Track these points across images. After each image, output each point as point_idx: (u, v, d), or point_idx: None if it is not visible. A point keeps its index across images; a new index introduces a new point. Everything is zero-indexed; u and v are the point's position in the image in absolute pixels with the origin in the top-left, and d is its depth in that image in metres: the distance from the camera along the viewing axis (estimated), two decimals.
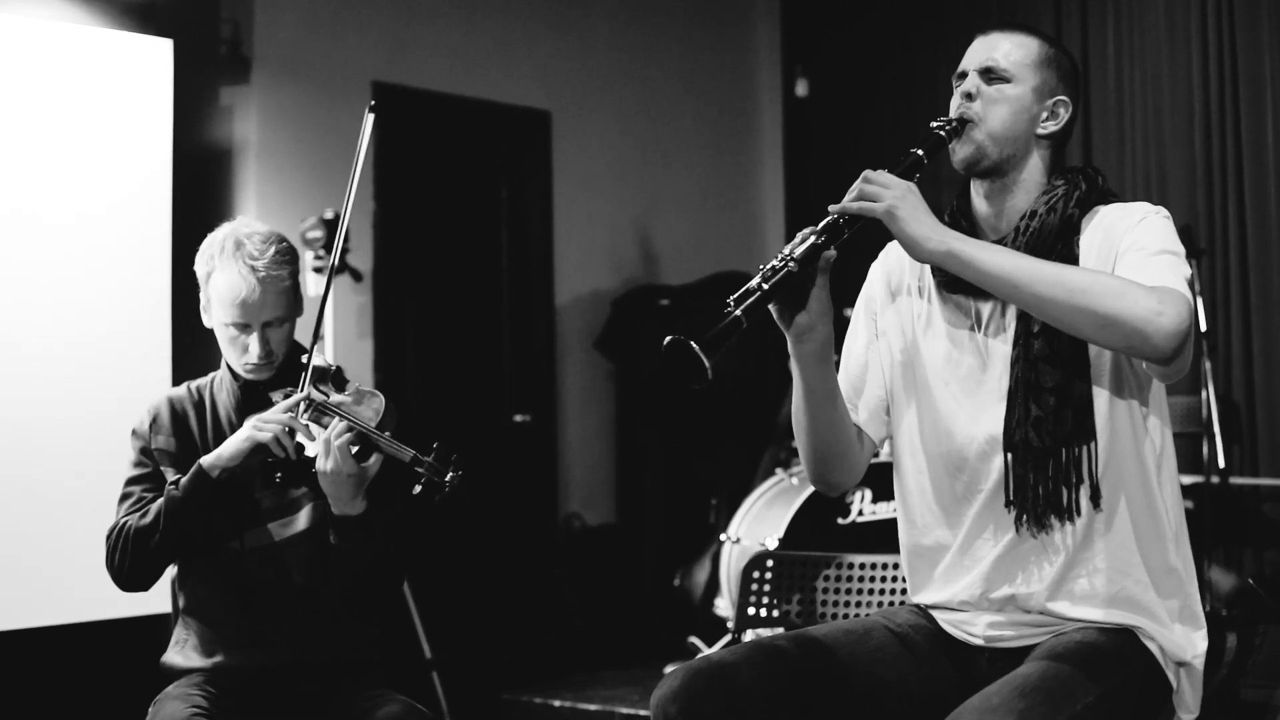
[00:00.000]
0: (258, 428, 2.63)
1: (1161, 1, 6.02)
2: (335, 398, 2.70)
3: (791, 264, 2.11)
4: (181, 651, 2.77)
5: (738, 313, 2.05)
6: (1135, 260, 2.14)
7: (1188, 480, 5.30)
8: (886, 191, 2.13)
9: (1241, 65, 5.78)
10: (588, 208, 6.62)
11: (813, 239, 2.13)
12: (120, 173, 4.65)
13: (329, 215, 4.98)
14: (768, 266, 2.11)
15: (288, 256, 2.75)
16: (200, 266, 2.76)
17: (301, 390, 2.68)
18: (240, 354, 2.74)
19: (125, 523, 2.70)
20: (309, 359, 2.72)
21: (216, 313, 2.73)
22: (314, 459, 2.61)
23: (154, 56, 4.74)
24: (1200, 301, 5.01)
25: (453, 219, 6.22)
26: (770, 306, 2.14)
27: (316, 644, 2.74)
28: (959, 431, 2.29)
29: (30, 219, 4.44)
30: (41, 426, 4.41)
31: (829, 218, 2.15)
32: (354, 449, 2.58)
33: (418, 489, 2.55)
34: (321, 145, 5.55)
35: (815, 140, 7.30)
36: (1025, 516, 2.21)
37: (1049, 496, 2.19)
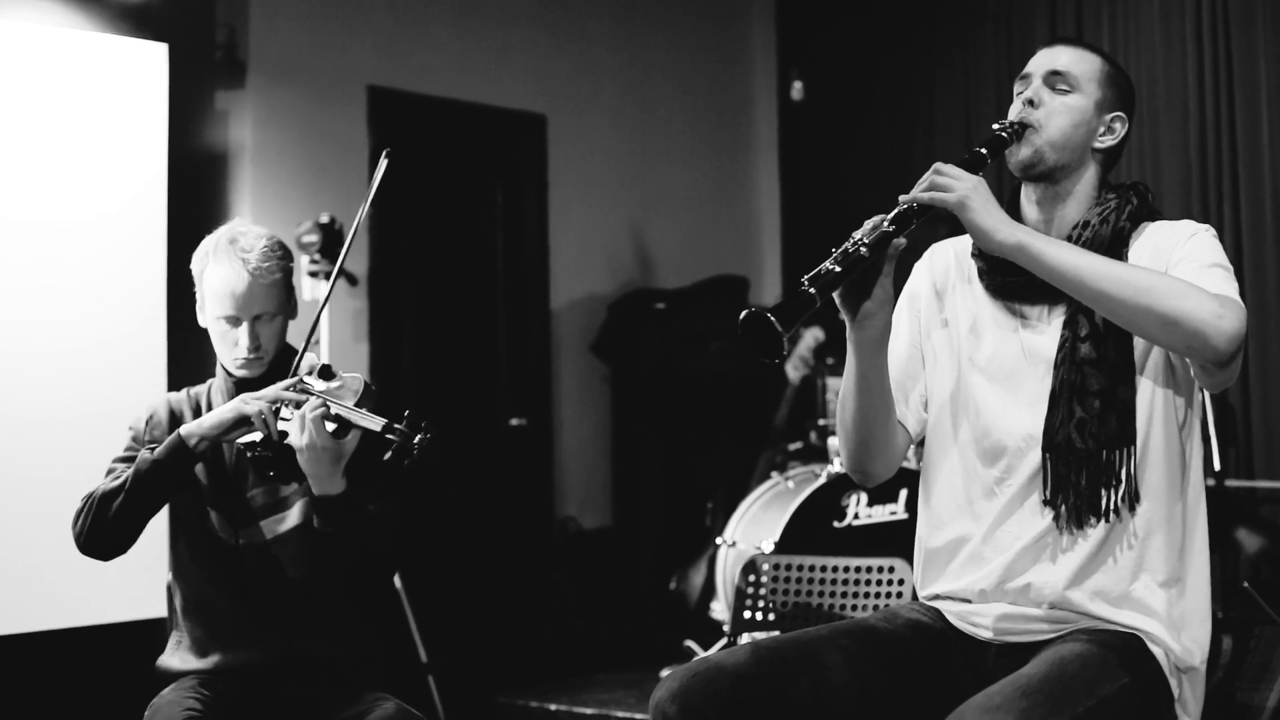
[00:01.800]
0: (244, 400, 2.65)
1: (1156, 6, 6.03)
2: (320, 385, 2.72)
3: (864, 249, 2.15)
4: (177, 653, 2.78)
5: (812, 291, 2.09)
6: (1190, 270, 2.21)
7: None
8: (959, 184, 2.19)
9: (1237, 70, 5.78)
10: (583, 211, 6.63)
11: (884, 226, 2.17)
12: (115, 177, 4.64)
13: (324, 220, 4.99)
14: (839, 251, 2.15)
15: (280, 253, 2.79)
16: (195, 264, 2.80)
17: (291, 375, 2.72)
18: (230, 349, 2.76)
19: (95, 489, 2.70)
20: (301, 352, 2.76)
21: (209, 307, 2.76)
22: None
23: (149, 61, 4.74)
24: None
25: (448, 223, 6.22)
26: (835, 292, 2.19)
27: (312, 640, 2.74)
28: (996, 427, 2.33)
29: (25, 223, 4.43)
30: (37, 430, 4.40)
31: (900, 207, 2.20)
32: (331, 427, 2.59)
33: (388, 455, 2.55)
34: (317, 149, 5.56)
35: (811, 143, 7.31)
36: (1065, 515, 2.25)
37: (1089, 497, 2.23)
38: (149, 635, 4.26)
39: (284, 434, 2.66)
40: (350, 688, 2.73)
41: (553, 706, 5.06)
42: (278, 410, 2.65)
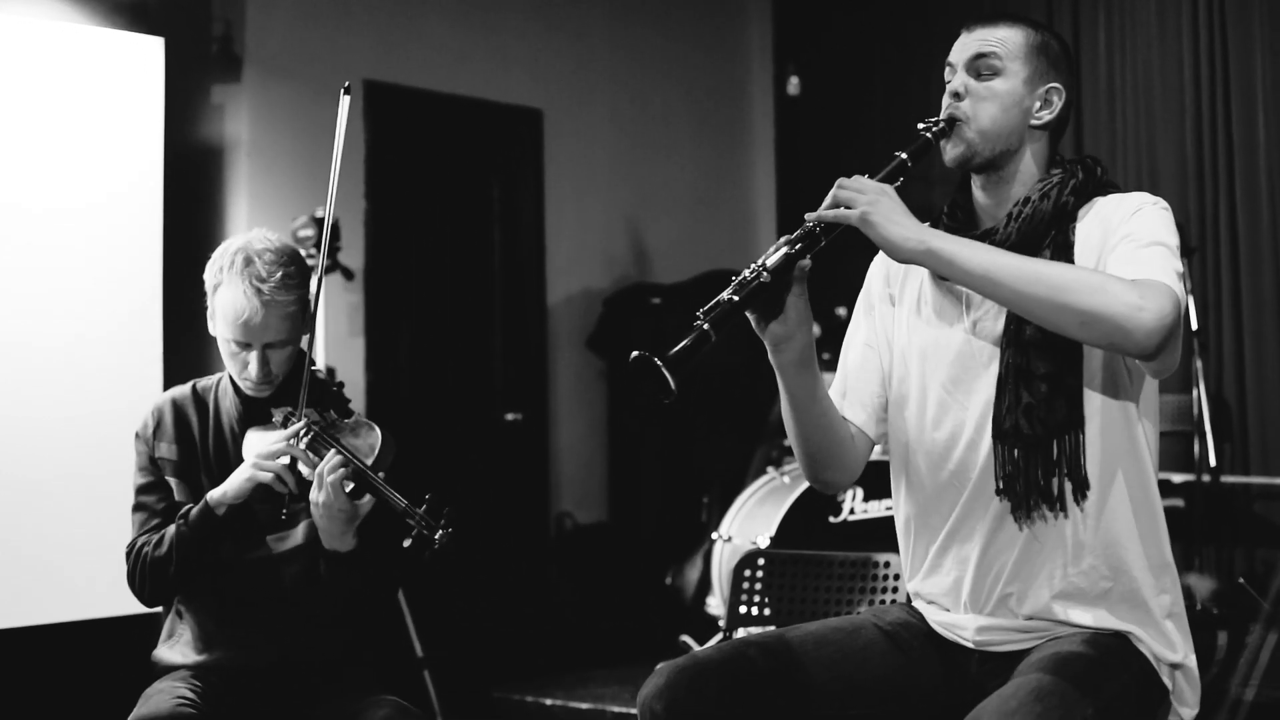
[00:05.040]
0: (258, 466, 2.60)
1: (1153, 2, 6.02)
2: (334, 427, 2.66)
3: (765, 275, 2.09)
4: (173, 647, 2.77)
5: (706, 327, 2.03)
6: (1125, 252, 2.12)
7: (1178, 479, 5.31)
8: (860, 196, 2.11)
9: (1233, 63, 5.78)
10: (579, 206, 6.62)
11: (786, 249, 2.11)
12: (111, 171, 4.64)
13: (320, 214, 4.98)
14: (740, 277, 2.09)
15: (296, 280, 2.68)
16: (209, 276, 2.70)
17: (298, 419, 2.65)
18: (240, 369, 2.71)
19: (143, 550, 2.69)
20: (305, 380, 2.67)
21: (220, 327, 2.68)
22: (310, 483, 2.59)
23: (145, 55, 4.73)
24: (1191, 300, 5.02)
25: (444, 217, 6.22)
26: (748, 314, 2.13)
27: (303, 647, 2.73)
28: (948, 419, 2.28)
29: (21, 216, 4.43)
30: (33, 425, 4.40)
31: (805, 226, 2.13)
32: (348, 486, 2.54)
33: (408, 542, 2.49)
34: (313, 143, 5.54)
35: (807, 138, 7.31)
36: (1015, 506, 2.19)
37: (1039, 486, 2.17)
38: (143, 630, 4.25)
39: (300, 476, 2.61)
40: (345, 686, 2.72)
41: (548, 701, 5.06)
42: (294, 463, 2.60)
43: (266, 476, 2.60)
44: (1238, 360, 5.77)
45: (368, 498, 2.56)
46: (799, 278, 2.15)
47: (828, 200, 2.14)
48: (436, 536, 2.47)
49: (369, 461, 2.58)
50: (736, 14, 7.46)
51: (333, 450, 2.57)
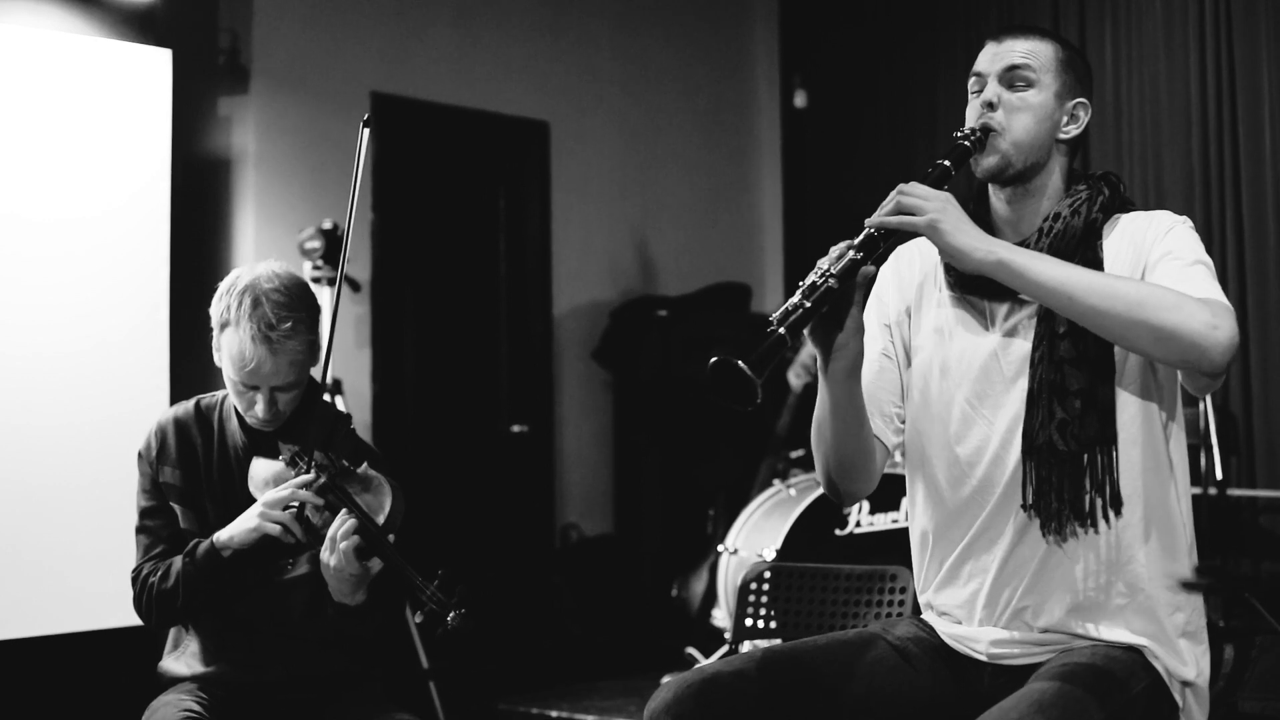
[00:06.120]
0: (265, 517, 2.56)
1: (1159, 11, 6.03)
2: (345, 476, 2.62)
3: (832, 280, 2.07)
4: (179, 658, 2.77)
5: (782, 331, 2.01)
6: (1173, 270, 2.12)
7: None
8: (927, 204, 2.10)
9: (1239, 74, 5.78)
10: (586, 218, 6.63)
11: (851, 254, 2.09)
12: (119, 182, 4.65)
13: (327, 225, 4.98)
14: (807, 284, 2.07)
15: (306, 324, 2.62)
16: (215, 312, 2.64)
17: (307, 464, 2.60)
18: (247, 408, 2.67)
19: (149, 580, 2.67)
20: (317, 423, 2.62)
21: (225, 366, 2.64)
22: (320, 531, 2.56)
23: (153, 66, 4.74)
24: None
25: (451, 229, 6.22)
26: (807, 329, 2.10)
27: (309, 664, 2.73)
28: (973, 434, 2.26)
29: (27, 227, 4.44)
30: (39, 435, 4.40)
31: (866, 232, 2.12)
32: (358, 546, 2.51)
33: (419, 618, 2.47)
34: (320, 155, 5.56)
35: (813, 151, 7.31)
36: (1045, 521, 2.18)
37: (1072, 502, 2.16)
38: (146, 641, 4.25)
39: (311, 528, 2.57)
40: (354, 701, 2.72)
41: (554, 713, 5.05)
42: (302, 509, 2.56)
43: (274, 529, 2.55)
44: (1244, 373, 5.76)
45: (377, 561, 2.52)
46: (861, 284, 2.13)
47: (889, 206, 2.12)
48: (449, 617, 2.46)
49: (380, 521, 2.55)
50: (742, 26, 7.47)
51: (345, 511, 2.53)
